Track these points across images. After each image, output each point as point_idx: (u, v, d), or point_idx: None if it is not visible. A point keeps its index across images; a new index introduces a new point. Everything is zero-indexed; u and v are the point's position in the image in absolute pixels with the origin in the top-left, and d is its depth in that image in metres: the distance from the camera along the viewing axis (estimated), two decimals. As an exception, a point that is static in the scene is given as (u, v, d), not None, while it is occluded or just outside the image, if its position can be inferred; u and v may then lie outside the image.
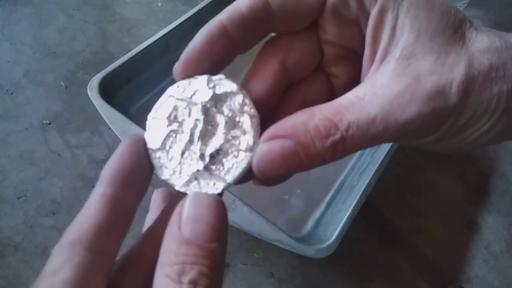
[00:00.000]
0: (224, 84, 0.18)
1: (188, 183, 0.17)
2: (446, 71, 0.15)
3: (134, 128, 0.41)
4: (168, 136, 0.17)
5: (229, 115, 0.17)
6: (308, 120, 0.15)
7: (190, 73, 0.18)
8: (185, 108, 0.17)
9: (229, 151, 0.17)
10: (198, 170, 0.17)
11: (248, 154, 0.17)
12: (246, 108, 0.17)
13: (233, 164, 0.17)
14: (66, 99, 0.54)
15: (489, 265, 0.47)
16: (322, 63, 0.20)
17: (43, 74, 0.56)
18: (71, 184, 0.47)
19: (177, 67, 0.18)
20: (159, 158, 0.17)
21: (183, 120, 0.17)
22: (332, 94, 0.21)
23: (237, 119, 0.17)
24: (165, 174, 0.17)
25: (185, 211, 0.15)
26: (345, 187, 0.48)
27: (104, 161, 0.49)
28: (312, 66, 0.20)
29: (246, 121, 0.17)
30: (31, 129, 0.51)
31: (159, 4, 0.68)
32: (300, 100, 0.20)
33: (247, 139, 0.17)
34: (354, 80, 0.19)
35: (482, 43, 0.16)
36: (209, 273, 0.14)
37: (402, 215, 0.50)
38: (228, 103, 0.17)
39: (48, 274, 0.14)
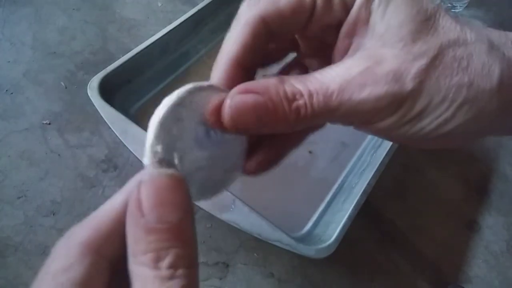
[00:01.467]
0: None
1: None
2: (408, 59, 0.16)
3: (134, 128, 0.41)
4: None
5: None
6: (279, 84, 0.17)
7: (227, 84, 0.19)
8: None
9: None
10: None
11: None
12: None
13: None
14: (66, 99, 0.54)
15: (489, 265, 0.47)
16: (299, 56, 0.22)
17: (43, 74, 0.56)
18: (71, 184, 0.47)
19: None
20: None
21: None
22: None
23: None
24: None
25: (144, 196, 0.14)
26: (345, 187, 0.48)
27: (104, 161, 0.49)
28: (284, 54, 0.22)
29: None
30: (31, 129, 0.51)
31: (159, 4, 0.68)
32: None
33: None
34: None
35: (453, 32, 0.16)
36: (186, 253, 0.14)
37: (402, 215, 0.50)
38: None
39: (57, 272, 0.14)
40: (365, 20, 0.17)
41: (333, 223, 0.41)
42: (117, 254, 0.15)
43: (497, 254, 0.48)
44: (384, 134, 0.18)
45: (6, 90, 0.54)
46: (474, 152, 0.57)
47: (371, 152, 0.50)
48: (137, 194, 0.14)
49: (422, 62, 0.16)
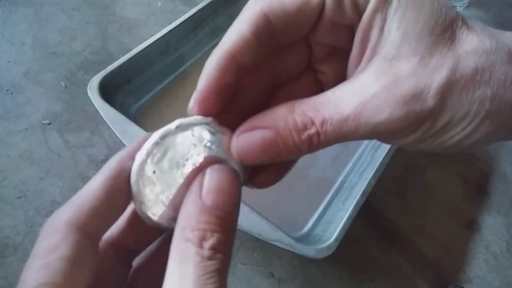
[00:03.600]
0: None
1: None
2: (427, 74, 0.15)
3: (134, 128, 0.41)
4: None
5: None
6: (288, 114, 0.16)
7: (206, 110, 0.18)
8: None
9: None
10: None
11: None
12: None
13: None
14: (66, 99, 0.54)
15: (489, 265, 0.47)
16: (310, 60, 0.20)
17: (43, 74, 0.56)
18: (71, 184, 0.47)
19: (194, 109, 0.18)
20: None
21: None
22: (321, 91, 0.21)
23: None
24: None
25: (207, 180, 0.16)
26: (345, 187, 0.48)
27: (104, 161, 0.49)
28: (300, 67, 0.20)
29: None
30: (31, 129, 0.51)
31: (159, 4, 0.68)
32: (288, 98, 0.20)
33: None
34: (342, 77, 0.20)
35: (471, 44, 0.15)
36: (227, 241, 0.15)
37: (402, 215, 0.50)
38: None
39: (45, 252, 0.14)
40: (379, 26, 0.16)
41: (333, 223, 0.41)
42: (102, 230, 0.16)
43: (497, 254, 0.48)
44: (404, 147, 0.17)
45: (6, 90, 0.54)
46: (474, 152, 0.57)
47: (371, 152, 0.50)
48: (202, 178, 0.16)
49: (442, 76, 0.15)
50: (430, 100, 0.15)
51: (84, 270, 0.15)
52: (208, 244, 0.14)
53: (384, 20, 0.16)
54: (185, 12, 0.55)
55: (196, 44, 0.58)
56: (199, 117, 0.18)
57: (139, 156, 0.17)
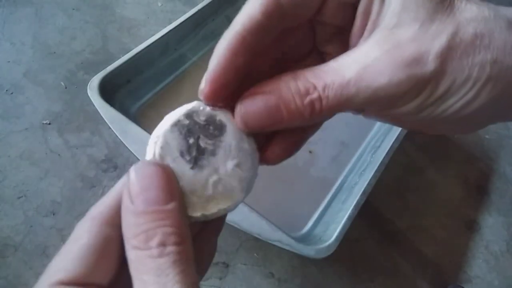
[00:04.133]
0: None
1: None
2: (427, 39, 0.15)
3: (134, 128, 0.41)
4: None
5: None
6: (291, 80, 0.16)
7: (219, 93, 0.18)
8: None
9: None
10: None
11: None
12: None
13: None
14: (66, 99, 0.54)
15: (489, 265, 0.47)
16: (315, 42, 0.21)
17: (43, 74, 0.56)
18: (71, 184, 0.47)
19: (205, 89, 0.18)
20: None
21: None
22: None
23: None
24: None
25: (132, 184, 0.15)
26: (345, 187, 0.48)
27: (104, 161, 0.49)
28: (305, 49, 0.20)
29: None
30: (31, 129, 0.51)
31: (159, 4, 0.68)
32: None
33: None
34: None
35: (470, 12, 0.16)
36: (175, 231, 0.14)
37: (402, 215, 0.50)
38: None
39: (68, 243, 0.15)
40: None
41: (333, 223, 0.41)
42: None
43: (497, 254, 0.48)
44: (404, 119, 0.17)
45: (6, 90, 0.54)
46: (474, 152, 0.57)
47: (371, 152, 0.50)
48: (128, 185, 0.15)
49: (442, 41, 0.15)
50: (430, 64, 0.15)
51: (107, 257, 0.15)
52: (153, 242, 0.14)
53: None
54: (185, 12, 0.55)
55: (196, 44, 0.58)
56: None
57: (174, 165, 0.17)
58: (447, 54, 0.15)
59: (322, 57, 0.21)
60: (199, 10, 0.55)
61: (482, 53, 0.15)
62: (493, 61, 0.15)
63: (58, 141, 0.50)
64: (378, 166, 0.44)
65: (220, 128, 0.18)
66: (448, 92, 0.16)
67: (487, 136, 0.60)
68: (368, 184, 0.42)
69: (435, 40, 0.15)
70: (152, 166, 0.16)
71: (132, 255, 0.14)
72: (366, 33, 0.17)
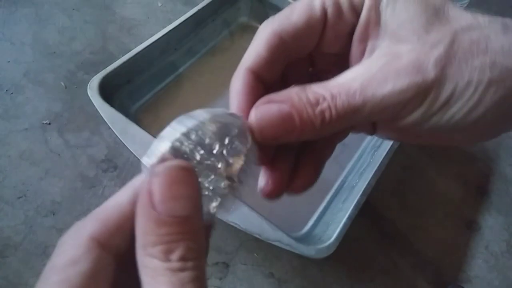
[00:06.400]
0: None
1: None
2: (426, 49, 0.16)
3: (134, 128, 0.41)
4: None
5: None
6: (300, 91, 0.17)
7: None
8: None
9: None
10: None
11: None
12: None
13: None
14: (66, 99, 0.54)
15: (489, 265, 0.47)
16: (314, 71, 0.22)
17: (43, 74, 0.56)
18: (71, 184, 0.47)
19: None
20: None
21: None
22: None
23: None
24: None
25: (156, 189, 0.14)
26: (345, 187, 0.48)
27: (104, 161, 0.49)
28: (304, 79, 0.22)
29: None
30: (31, 129, 0.51)
31: (159, 4, 0.68)
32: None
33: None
34: None
35: (465, 20, 0.16)
36: (195, 246, 0.14)
37: (402, 215, 0.50)
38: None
39: (65, 265, 0.14)
40: (375, 21, 0.17)
41: (333, 223, 0.41)
42: (124, 248, 0.15)
43: (497, 254, 0.48)
44: (413, 131, 0.18)
45: (6, 90, 0.54)
46: (474, 152, 0.57)
47: (371, 152, 0.50)
48: (149, 186, 0.14)
49: (440, 49, 0.16)
50: (430, 71, 0.16)
51: (103, 286, 0.14)
52: (175, 256, 0.13)
53: (378, 15, 0.17)
54: (185, 12, 0.55)
55: (196, 44, 0.58)
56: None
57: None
58: (446, 61, 0.16)
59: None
60: (199, 10, 0.55)
61: (480, 57, 0.15)
62: (492, 64, 0.15)
63: (58, 141, 0.50)
64: (378, 166, 0.44)
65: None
66: (452, 98, 0.16)
67: (487, 136, 0.60)
68: (368, 184, 0.42)
69: (433, 49, 0.16)
70: (185, 170, 0.14)
71: (149, 262, 0.14)
72: (366, 54, 0.19)
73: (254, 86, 0.19)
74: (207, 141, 0.16)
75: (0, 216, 0.44)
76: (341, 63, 0.20)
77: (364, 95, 0.16)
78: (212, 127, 0.16)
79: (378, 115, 0.17)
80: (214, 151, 0.16)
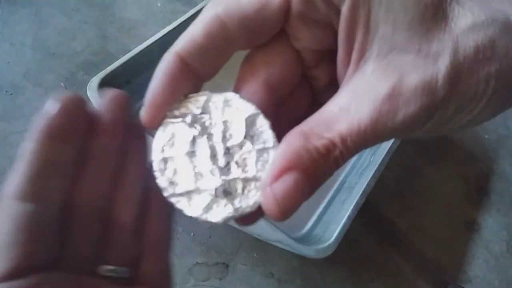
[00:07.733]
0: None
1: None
2: (430, 64, 0.14)
3: (134, 129, 0.41)
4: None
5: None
6: (307, 143, 0.15)
7: (158, 119, 0.18)
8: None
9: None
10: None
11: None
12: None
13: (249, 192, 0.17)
14: (66, 100, 0.54)
15: (489, 265, 0.47)
16: (303, 68, 0.20)
17: (43, 75, 0.56)
18: (71, 185, 0.47)
19: (145, 116, 0.18)
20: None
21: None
22: (313, 95, 0.21)
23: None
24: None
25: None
26: (345, 187, 0.48)
27: (104, 161, 0.49)
28: (295, 80, 0.20)
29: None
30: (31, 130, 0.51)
31: (159, 5, 0.68)
32: (284, 108, 0.20)
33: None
34: (333, 80, 0.19)
35: (466, 20, 0.15)
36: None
37: (402, 215, 0.50)
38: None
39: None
40: (364, 21, 0.15)
41: (333, 223, 0.41)
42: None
43: (497, 254, 0.48)
44: (417, 134, 0.17)
45: (6, 91, 0.54)
46: (474, 152, 0.57)
47: (371, 152, 0.50)
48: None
49: (446, 63, 0.14)
50: (440, 91, 0.15)
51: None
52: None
53: (368, 15, 0.15)
54: (185, 13, 0.55)
55: (196, 44, 0.58)
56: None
57: None
58: (454, 77, 0.15)
59: (307, 81, 0.20)
60: (199, 11, 0.55)
61: (486, 67, 0.15)
62: (498, 73, 0.15)
63: (58, 142, 0.50)
64: (378, 166, 0.44)
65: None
66: (458, 110, 0.15)
67: (486, 136, 0.60)
68: (368, 184, 0.42)
69: (438, 64, 0.14)
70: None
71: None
72: (353, 61, 0.16)
73: (179, 76, 0.17)
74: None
75: (0, 216, 0.44)
76: (329, 57, 0.19)
77: (376, 130, 0.15)
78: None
79: (387, 140, 0.16)
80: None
